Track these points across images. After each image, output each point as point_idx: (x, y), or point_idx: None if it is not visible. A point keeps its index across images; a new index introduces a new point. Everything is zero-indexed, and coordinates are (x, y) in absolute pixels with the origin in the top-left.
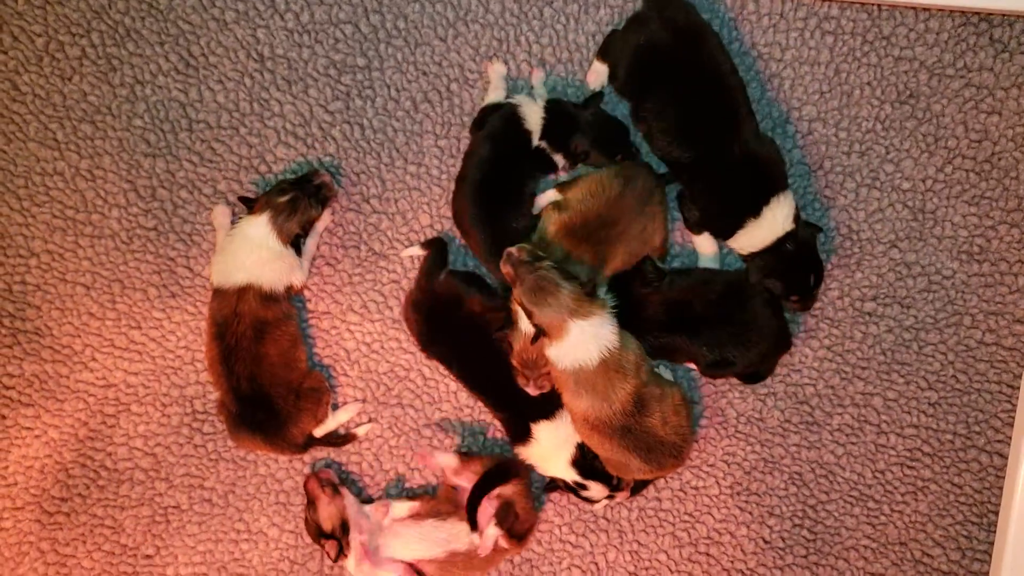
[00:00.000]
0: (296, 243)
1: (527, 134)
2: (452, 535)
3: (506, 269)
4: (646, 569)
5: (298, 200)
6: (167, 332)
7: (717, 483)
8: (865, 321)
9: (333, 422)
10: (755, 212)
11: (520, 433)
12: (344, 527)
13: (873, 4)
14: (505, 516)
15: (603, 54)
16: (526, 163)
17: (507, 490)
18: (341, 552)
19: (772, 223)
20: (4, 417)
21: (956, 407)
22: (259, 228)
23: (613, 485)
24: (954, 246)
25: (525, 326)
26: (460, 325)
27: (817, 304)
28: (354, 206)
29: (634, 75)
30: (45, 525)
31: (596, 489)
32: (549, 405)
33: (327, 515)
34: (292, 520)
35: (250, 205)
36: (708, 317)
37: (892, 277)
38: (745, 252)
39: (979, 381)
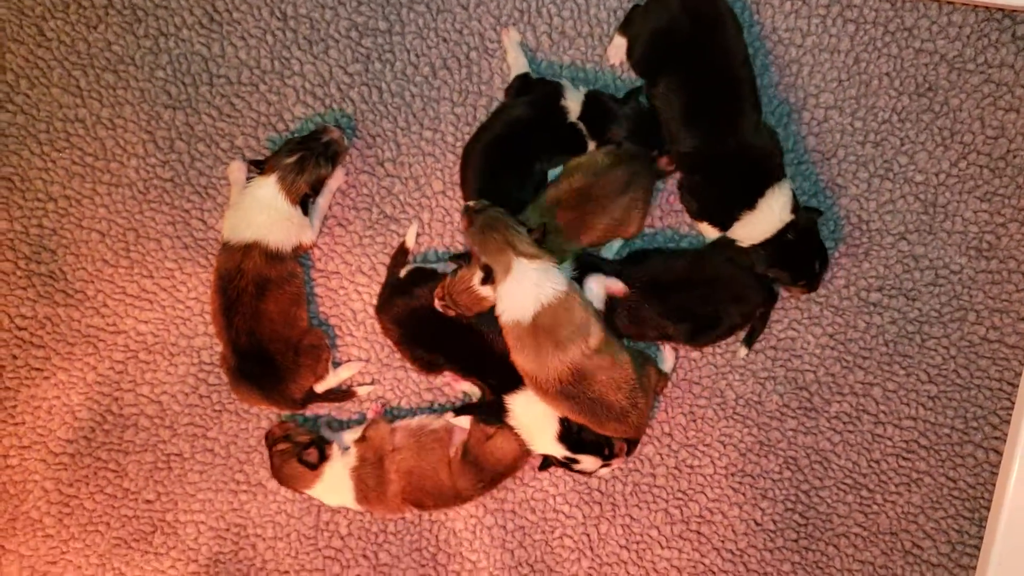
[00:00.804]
0: (305, 202)
1: (564, 113)
2: (430, 418)
3: (463, 220)
4: (637, 543)
5: (306, 159)
6: (178, 283)
7: (712, 463)
8: (870, 311)
9: (334, 379)
10: (750, 204)
11: (499, 408)
12: (321, 438)
13: None
14: (481, 425)
15: (624, 28)
16: (552, 140)
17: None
18: (323, 456)
19: (769, 215)
20: (15, 357)
21: (955, 402)
22: (268, 189)
23: (605, 455)
24: (963, 241)
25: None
26: (433, 326)
27: (822, 291)
28: (368, 168)
29: (648, 57)
30: (50, 465)
31: (588, 462)
32: (518, 376)
33: (300, 432)
34: None
35: (261, 167)
36: (676, 285)
37: (899, 269)
38: (747, 244)
39: (980, 377)
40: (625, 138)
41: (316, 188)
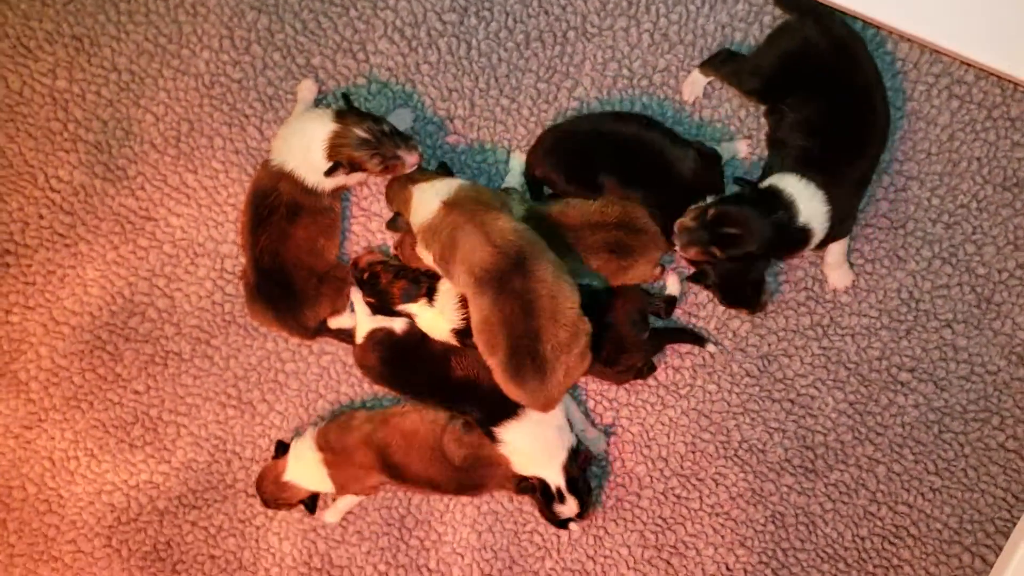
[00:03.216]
0: (334, 168)
1: (705, 189)
2: None
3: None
4: (604, 557)
5: (371, 147)
6: (220, 184)
7: (700, 498)
8: (895, 389)
9: (348, 319)
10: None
11: (491, 437)
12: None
13: (1010, 81)
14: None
15: (711, 67)
16: (659, 185)
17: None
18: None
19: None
20: (41, 217)
21: (955, 500)
22: (321, 129)
23: (581, 511)
24: (1008, 345)
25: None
26: (415, 360)
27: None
28: (436, 120)
29: (778, 80)
30: (49, 331)
31: (570, 506)
32: (510, 405)
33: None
34: (283, 402)
35: (346, 108)
36: None
37: (936, 355)
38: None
39: (987, 482)
40: (715, 280)
41: (349, 168)
